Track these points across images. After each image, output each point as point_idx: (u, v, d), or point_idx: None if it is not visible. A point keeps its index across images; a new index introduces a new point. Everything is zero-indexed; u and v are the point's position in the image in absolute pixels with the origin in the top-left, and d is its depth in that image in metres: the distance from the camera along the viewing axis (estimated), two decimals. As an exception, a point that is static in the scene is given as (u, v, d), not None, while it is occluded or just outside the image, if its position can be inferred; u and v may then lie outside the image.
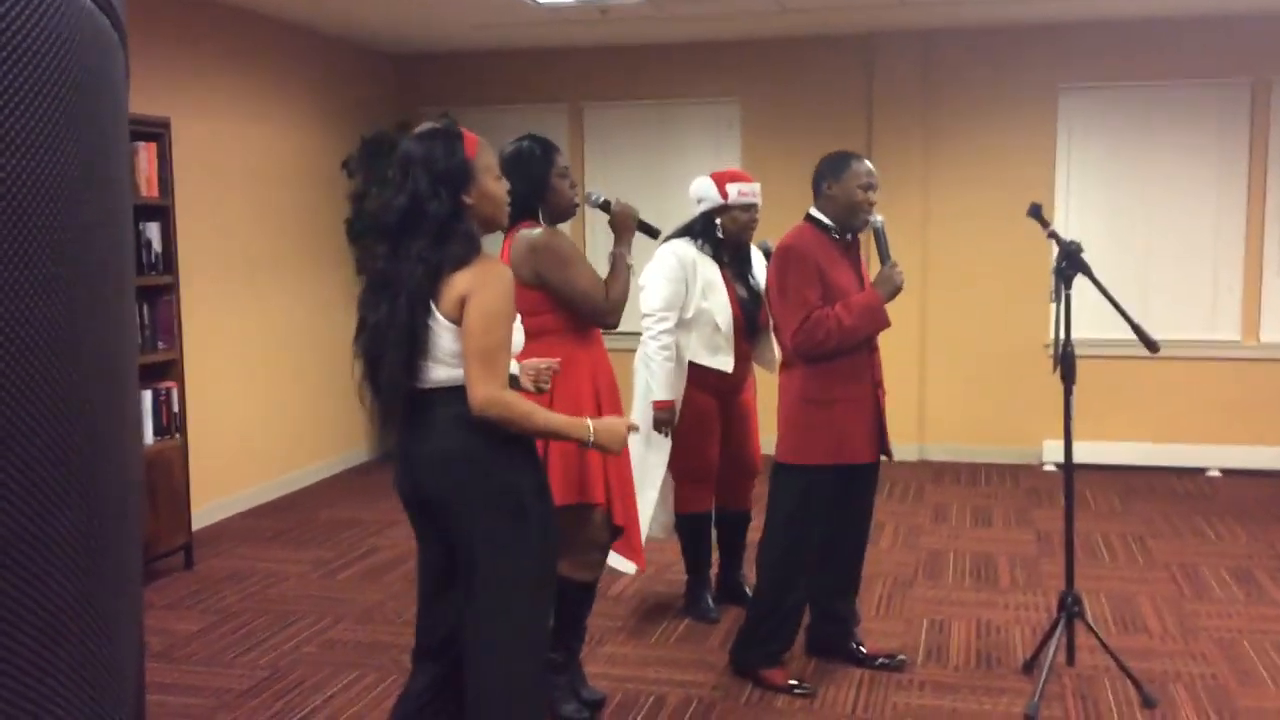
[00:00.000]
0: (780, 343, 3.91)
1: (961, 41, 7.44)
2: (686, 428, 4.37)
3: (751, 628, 4.01)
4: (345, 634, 4.57)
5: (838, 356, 3.76)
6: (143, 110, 5.22)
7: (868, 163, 3.90)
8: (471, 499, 2.64)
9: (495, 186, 2.72)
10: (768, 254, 4.50)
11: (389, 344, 2.60)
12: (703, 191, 4.42)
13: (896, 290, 3.80)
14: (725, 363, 4.37)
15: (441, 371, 2.61)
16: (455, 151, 2.62)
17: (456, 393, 2.59)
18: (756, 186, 4.43)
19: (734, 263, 4.47)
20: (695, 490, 4.54)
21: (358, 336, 2.72)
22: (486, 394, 2.53)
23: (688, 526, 4.61)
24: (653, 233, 3.76)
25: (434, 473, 2.66)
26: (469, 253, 2.59)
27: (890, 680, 4.02)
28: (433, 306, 2.57)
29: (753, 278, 4.53)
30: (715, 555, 4.79)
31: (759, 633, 3.99)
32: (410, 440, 2.68)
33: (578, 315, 3.45)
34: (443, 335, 2.58)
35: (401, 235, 2.61)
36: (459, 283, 2.56)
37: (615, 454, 2.89)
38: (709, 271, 4.35)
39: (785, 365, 3.92)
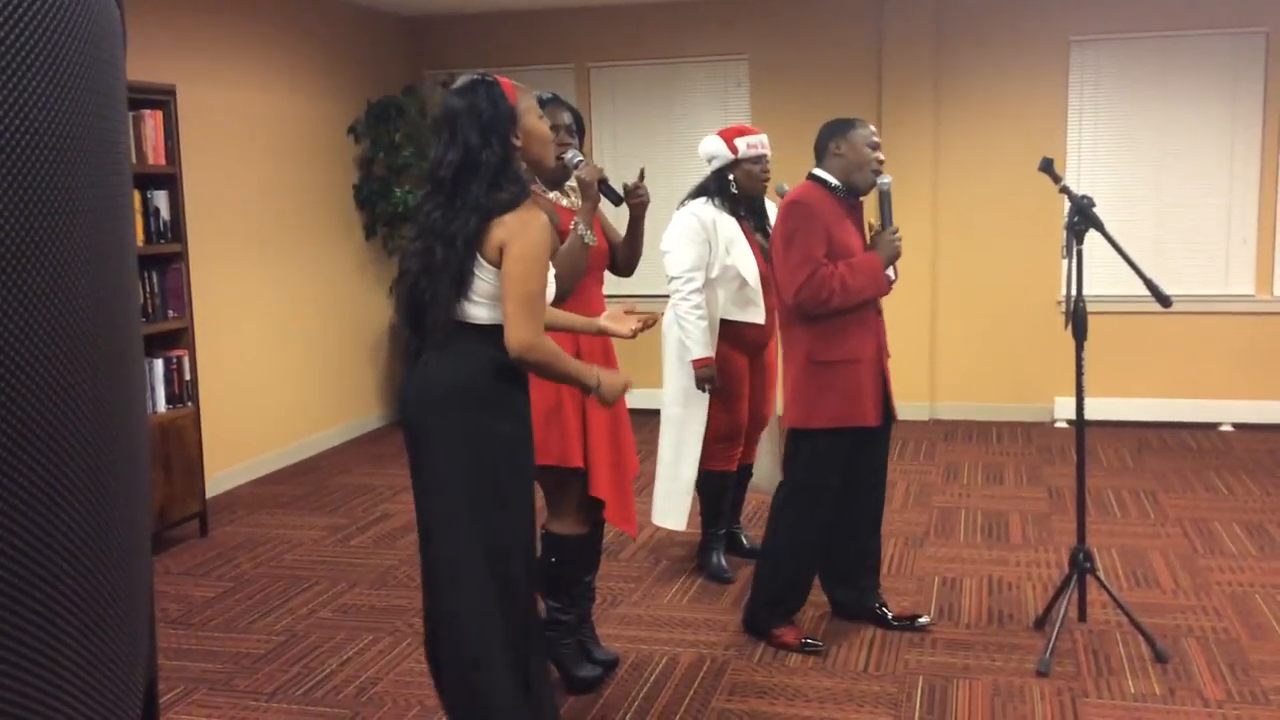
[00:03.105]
0: (780, 298, 3.88)
1: (971, -5, 7.35)
2: (719, 386, 4.40)
3: (763, 589, 4.03)
4: (360, 598, 4.60)
5: (838, 316, 3.75)
6: (148, 78, 5.20)
7: (871, 126, 3.91)
8: (441, 433, 2.73)
9: (539, 124, 2.83)
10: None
11: (441, 285, 2.68)
12: (713, 149, 4.44)
13: (895, 255, 3.83)
14: (757, 314, 4.43)
15: (469, 308, 2.71)
16: (498, 99, 2.73)
17: (477, 331, 2.71)
18: (764, 138, 4.45)
19: (751, 216, 4.51)
20: (724, 449, 4.57)
21: (399, 281, 2.83)
22: (525, 339, 2.64)
23: (711, 483, 4.64)
24: (614, 198, 3.49)
25: (421, 398, 2.76)
26: (518, 198, 2.70)
27: (902, 638, 4.03)
28: (476, 253, 2.68)
29: (771, 229, 4.55)
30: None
31: (770, 593, 4.01)
32: (421, 365, 2.77)
33: None
34: (482, 277, 2.68)
35: (457, 186, 2.70)
36: (499, 228, 2.66)
37: (607, 406, 2.94)
38: (729, 228, 4.37)
39: (787, 324, 3.90)
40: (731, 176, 4.42)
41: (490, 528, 2.73)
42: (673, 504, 4.52)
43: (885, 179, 3.87)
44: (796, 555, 3.94)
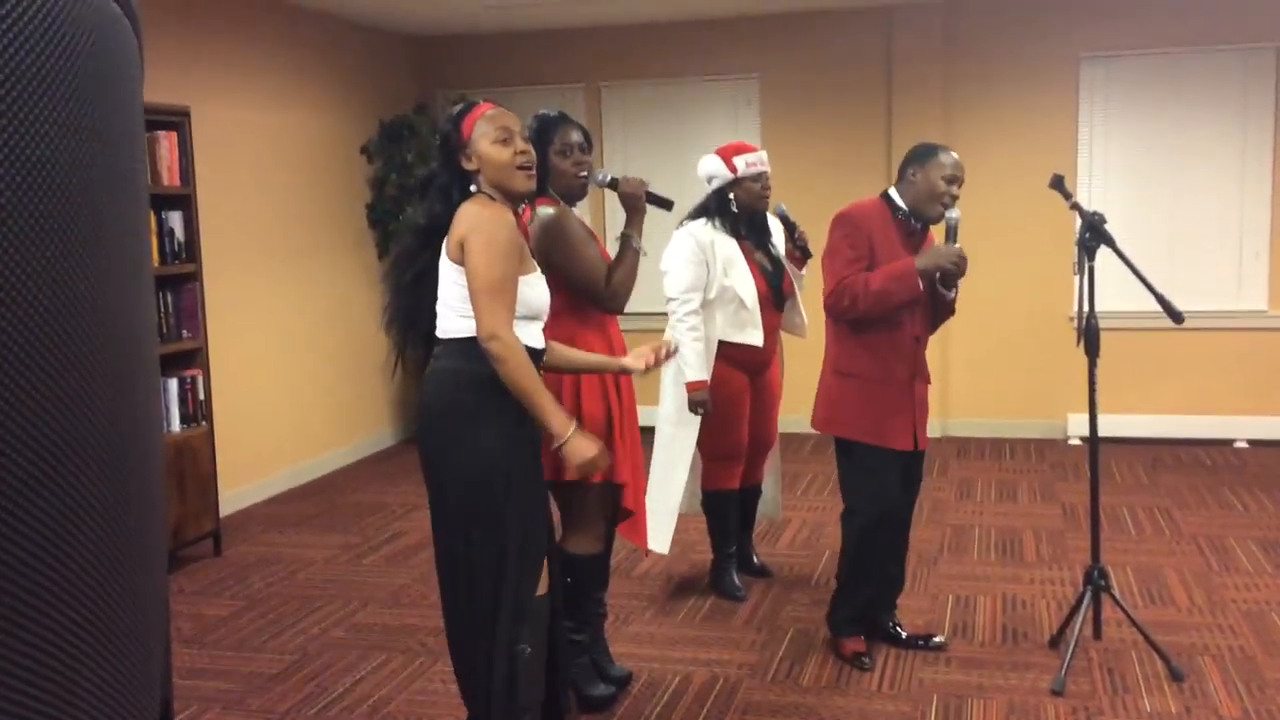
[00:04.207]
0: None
1: (981, 12, 7.37)
2: (716, 407, 4.36)
3: (836, 593, 4.03)
4: (372, 618, 4.60)
5: (876, 324, 3.75)
6: (163, 99, 5.24)
7: (955, 155, 3.83)
8: (442, 460, 2.79)
9: (491, 150, 2.80)
10: (784, 218, 4.51)
11: (394, 286, 2.92)
12: (711, 169, 4.40)
13: (938, 266, 3.74)
14: (755, 336, 4.38)
15: (448, 321, 2.79)
16: (452, 121, 2.85)
17: (454, 346, 2.78)
18: (763, 155, 4.41)
19: (752, 234, 4.47)
20: (723, 468, 4.54)
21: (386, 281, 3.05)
22: (490, 327, 2.68)
23: (714, 504, 4.62)
24: (665, 204, 3.51)
25: (421, 425, 2.87)
26: (454, 207, 2.80)
27: (917, 656, 4.02)
28: (444, 254, 2.78)
29: (773, 247, 4.52)
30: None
31: (839, 599, 4.01)
32: (419, 385, 2.90)
33: (579, 299, 3.42)
34: (448, 276, 2.76)
35: (422, 196, 2.93)
36: (457, 227, 2.75)
37: (570, 466, 2.80)
38: (728, 249, 4.34)
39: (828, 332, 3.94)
40: (731, 195, 4.36)
41: (487, 547, 2.78)
42: (659, 525, 4.32)
43: (954, 213, 3.81)
44: (856, 566, 3.91)
